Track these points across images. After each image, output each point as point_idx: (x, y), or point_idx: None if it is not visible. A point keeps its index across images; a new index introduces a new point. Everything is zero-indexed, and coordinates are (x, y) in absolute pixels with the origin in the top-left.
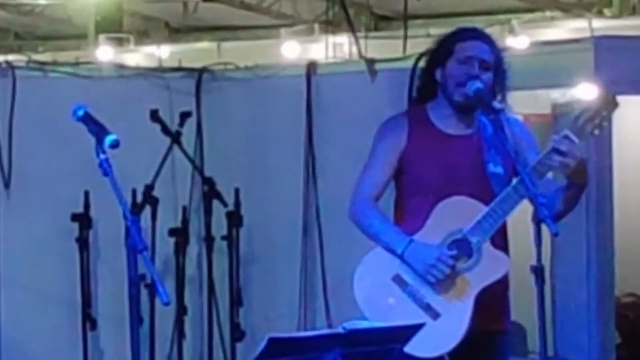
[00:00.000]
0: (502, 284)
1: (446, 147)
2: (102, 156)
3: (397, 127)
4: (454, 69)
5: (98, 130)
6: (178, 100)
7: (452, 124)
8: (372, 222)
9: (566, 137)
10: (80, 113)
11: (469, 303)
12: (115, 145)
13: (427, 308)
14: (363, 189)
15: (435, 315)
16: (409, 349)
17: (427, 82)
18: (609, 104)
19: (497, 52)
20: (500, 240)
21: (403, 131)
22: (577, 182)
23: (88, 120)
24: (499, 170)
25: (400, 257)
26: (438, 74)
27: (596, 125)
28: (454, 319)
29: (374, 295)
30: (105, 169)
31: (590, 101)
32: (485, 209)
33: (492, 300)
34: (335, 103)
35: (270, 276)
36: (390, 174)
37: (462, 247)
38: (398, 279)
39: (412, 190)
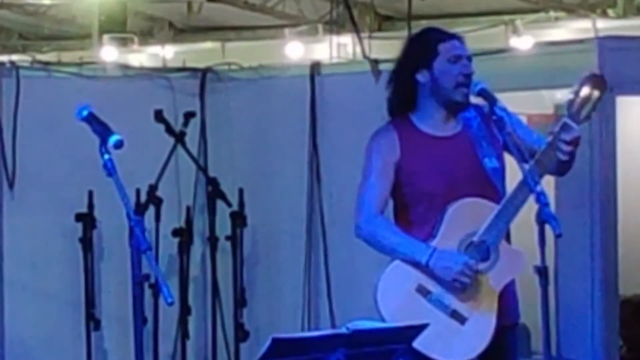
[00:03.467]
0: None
1: (440, 150)
2: (106, 156)
3: (387, 141)
4: (446, 69)
5: (102, 131)
6: (182, 100)
7: (439, 126)
8: (386, 236)
9: (565, 124)
10: (85, 113)
11: (494, 303)
12: (119, 145)
13: (454, 314)
14: (367, 205)
15: (463, 320)
16: (438, 355)
17: (407, 86)
18: (599, 85)
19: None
20: (506, 236)
21: (394, 144)
22: (563, 169)
23: (92, 120)
24: (494, 163)
25: (425, 266)
26: (422, 76)
27: (591, 107)
28: (481, 321)
29: (400, 309)
30: (109, 169)
31: (581, 85)
32: (495, 208)
33: (503, 297)
34: (339, 103)
35: (274, 276)
36: (389, 188)
37: (480, 249)
38: (421, 289)
39: (415, 199)
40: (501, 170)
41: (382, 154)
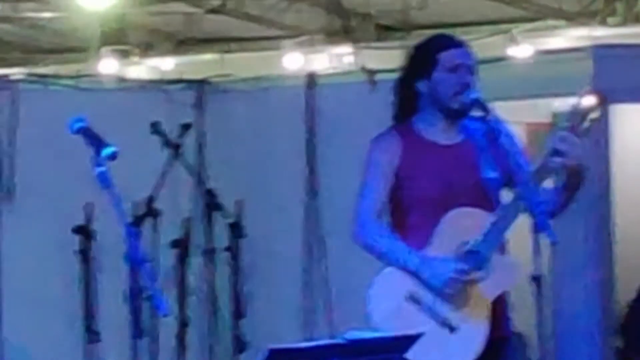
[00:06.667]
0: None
1: (441, 158)
2: (102, 169)
3: (389, 145)
4: (444, 79)
5: (96, 143)
6: (180, 112)
7: (441, 133)
8: (379, 242)
9: (563, 137)
10: (78, 126)
11: (485, 314)
12: (113, 157)
13: (444, 323)
14: (364, 210)
15: (453, 330)
16: None
17: (409, 95)
18: (597, 100)
19: (474, 57)
20: (501, 247)
21: (396, 148)
22: (574, 185)
23: (86, 132)
24: (494, 174)
25: (415, 274)
26: (422, 86)
27: (590, 121)
28: (471, 331)
29: (391, 315)
30: (104, 181)
31: (578, 98)
32: (490, 219)
33: (495, 308)
34: (336, 114)
35: (272, 287)
36: (388, 192)
37: (473, 259)
38: (412, 298)
39: (411, 205)
40: (500, 182)
41: (383, 159)
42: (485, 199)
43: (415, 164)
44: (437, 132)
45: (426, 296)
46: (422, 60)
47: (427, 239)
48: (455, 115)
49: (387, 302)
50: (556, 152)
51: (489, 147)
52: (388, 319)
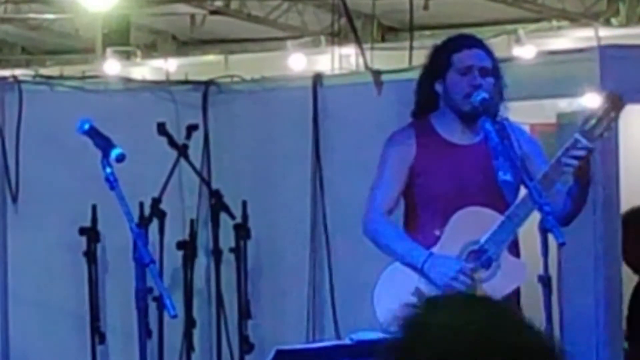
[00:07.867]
0: (514, 291)
1: (455, 157)
2: (108, 170)
3: (405, 140)
4: (456, 81)
5: (104, 144)
6: (185, 113)
7: (458, 133)
8: (388, 237)
9: (576, 141)
10: (86, 127)
11: None
12: (121, 158)
13: None
14: (376, 204)
15: None
16: None
17: (428, 95)
18: (616, 105)
19: (492, 56)
20: (514, 248)
21: (411, 144)
22: (582, 181)
23: (94, 134)
24: (508, 177)
25: (420, 271)
26: (438, 87)
27: (605, 127)
28: None
29: (396, 311)
30: (111, 182)
31: (597, 103)
32: (500, 218)
33: None
34: (342, 114)
35: (278, 288)
36: (402, 187)
37: (481, 258)
38: (419, 293)
39: (423, 202)
40: (514, 185)
41: (398, 155)
42: (499, 200)
43: (430, 162)
44: (454, 131)
45: (432, 292)
46: (437, 62)
47: (436, 236)
48: (468, 117)
49: (393, 297)
50: (568, 157)
51: (506, 150)
52: (394, 317)
